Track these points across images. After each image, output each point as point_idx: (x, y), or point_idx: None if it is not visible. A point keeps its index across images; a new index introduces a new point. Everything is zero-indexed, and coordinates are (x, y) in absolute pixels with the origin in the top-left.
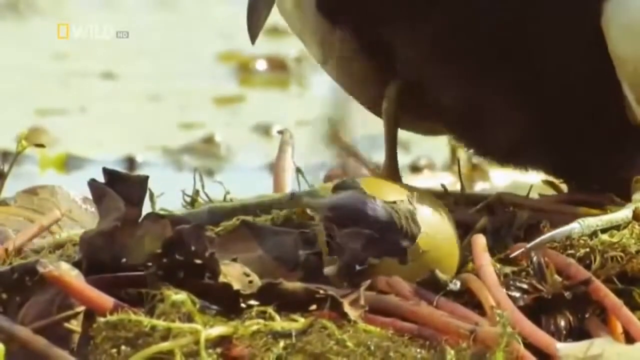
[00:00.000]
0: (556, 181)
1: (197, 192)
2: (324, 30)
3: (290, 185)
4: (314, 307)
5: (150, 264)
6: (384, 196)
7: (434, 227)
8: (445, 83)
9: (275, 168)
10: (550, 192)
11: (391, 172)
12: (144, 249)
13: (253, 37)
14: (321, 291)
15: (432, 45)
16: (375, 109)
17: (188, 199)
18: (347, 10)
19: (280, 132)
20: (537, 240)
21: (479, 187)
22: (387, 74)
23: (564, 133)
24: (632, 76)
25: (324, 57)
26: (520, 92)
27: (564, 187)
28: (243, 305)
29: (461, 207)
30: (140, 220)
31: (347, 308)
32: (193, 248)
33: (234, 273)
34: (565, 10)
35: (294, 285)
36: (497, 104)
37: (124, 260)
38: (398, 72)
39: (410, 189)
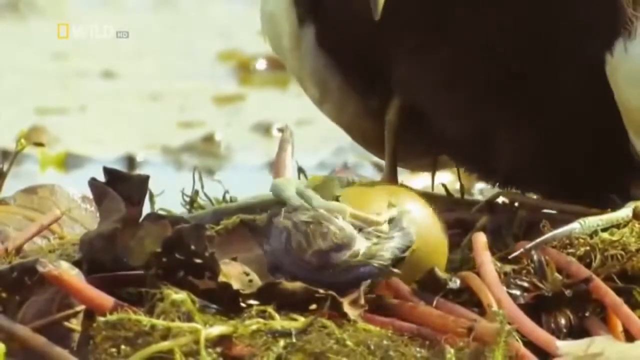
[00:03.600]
0: None
1: (196, 192)
2: (321, 72)
3: None
4: (313, 306)
5: (150, 264)
6: (366, 205)
7: (421, 226)
8: (449, 112)
9: (275, 165)
10: None
11: (390, 180)
12: (145, 251)
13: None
14: (321, 291)
15: (436, 76)
16: (372, 147)
17: (187, 199)
18: (349, 41)
19: (281, 130)
20: (538, 240)
21: (479, 186)
22: (383, 113)
23: (568, 161)
24: (639, 124)
25: (322, 99)
26: (524, 122)
27: None
28: (243, 304)
29: (460, 205)
30: (140, 220)
31: (346, 307)
32: (193, 247)
33: (234, 272)
34: (571, 53)
35: (293, 284)
36: (501, 132)
37: (124, 260)
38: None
39: (401, 190)
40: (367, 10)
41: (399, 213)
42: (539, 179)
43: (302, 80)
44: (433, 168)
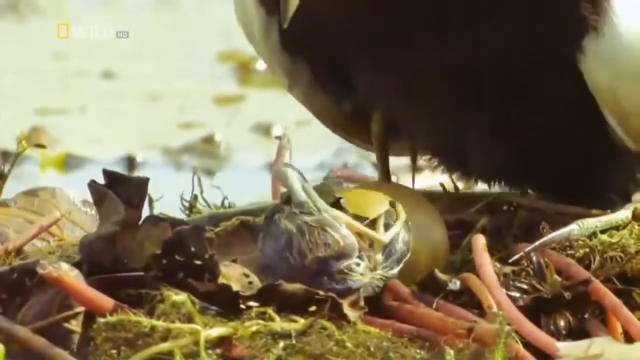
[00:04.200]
0: None
1: (195, 197)
2: (289, 63)
3: None
4: (313, 308)
5: (150, 265)
6: (367, 210)
7: (422, 227)
8: (420, 119)
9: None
10: None
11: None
12: (145, 253)
13: (285, 20)
14: (321, 292)
15: (403, 84)
16: (344, 133)
17: (187, 204)
18: (309, 46)
19: (278, 138)
20: (537, 243)
21: (479, 186)
22: (356, 116)
23: (549, 157)
24: (612, 104)
25: (290, 85)
26: (500, 124)
27: None
28: (242, 306)
29: (460, 206)
30: (140, 223)
31: (346, 309)
32: (193, 249)
33: (234, 274)
34: (541, 45)
35: (293, 286)
36: (476, 136)
37: (125, 261)
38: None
39: (401, 191)
40: (323, 16)
41: (400, 224)
42: (521, 175)
43: (272, 67)
44: (413, 165)
